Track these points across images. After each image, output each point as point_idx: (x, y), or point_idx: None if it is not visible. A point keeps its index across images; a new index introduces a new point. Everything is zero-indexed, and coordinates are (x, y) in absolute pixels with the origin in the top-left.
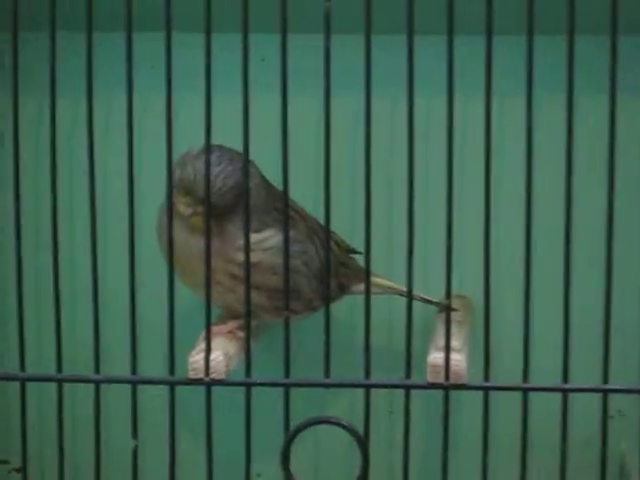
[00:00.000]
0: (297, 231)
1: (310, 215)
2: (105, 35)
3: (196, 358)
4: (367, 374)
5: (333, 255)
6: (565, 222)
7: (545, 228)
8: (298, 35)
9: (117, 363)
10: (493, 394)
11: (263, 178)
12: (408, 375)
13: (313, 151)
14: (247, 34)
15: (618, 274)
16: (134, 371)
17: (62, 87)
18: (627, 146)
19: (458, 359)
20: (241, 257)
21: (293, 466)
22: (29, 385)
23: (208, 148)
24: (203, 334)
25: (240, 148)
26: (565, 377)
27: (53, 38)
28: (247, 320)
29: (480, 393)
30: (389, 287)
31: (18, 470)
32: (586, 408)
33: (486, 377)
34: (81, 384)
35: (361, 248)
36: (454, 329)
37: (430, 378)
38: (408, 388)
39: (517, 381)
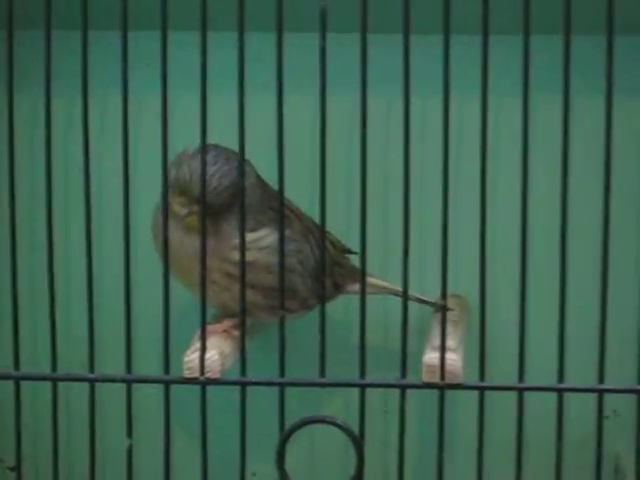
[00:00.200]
0: (292, 230)
1: (305, 214)
2: (100, 33)
3: (191, 357)
4: (362, 374)
5: (328, 255)
6: (561, 222)
7: (541, 228)
8: (294, 34)
9: (112, 362)
10: (488, 394)
11: (258, 177)
12: (403, 375)
13: (309, 150)
14: (243, 33)
15: (614, 274)
16: (129, 370)
17: (57, 85)
18: (623, 146)
19: (453, 359)
20: (237, 256)
21: (288, 465)
22: (23, 384)
23: (204, 147)
24: (198, 333)
25: (235, 147)
26: (560, 377)
27: (48, 36)
28: (242, 319)
29: (475, 393)
30: (384, 287)
31: (12, 469)
32: (581, 408)
33: (482, 377)
34: (76, 383)
35: (357, 248)
36: (450, 329)
37: (425, 378)
38: (403, 388)
39: (513, 381)
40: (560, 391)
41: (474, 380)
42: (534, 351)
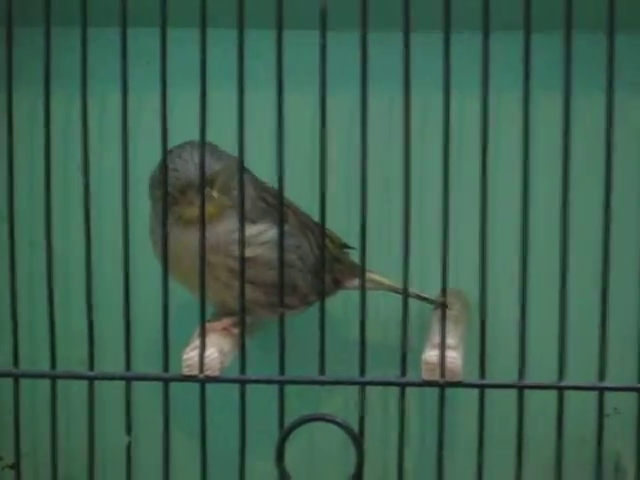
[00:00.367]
0: (290, 225)
1: (301, 211)
2: (100, 31)
3: (190, 355)
4: (362, 371)
5: (327, 251)
6: (562, 219)
7: (542, 225)
8: (294, 31)
9: (111, 359)
10: (488, 392)
11: (248, 171)
12: (403, 373)
13: (309, 148)
14: (242, 30)
15: (615, 271)
16: (128, 368)
17: (56, 83)
18: (624, 143)
19: (453, 356)
20: (238, 250)
21: (287, 463)
22: (22, 381)
23: (203, 145)
24: (197, 331)
25: (235, 144)
26: (561, 375)
27: (48, 34)
28: (241, 316)
29: (475, 391)
30: (383, 283)
31: (11, 467)
32: (582, 406)
33: (482, 374)
34: (75, 380)
35: (356, 245)
36: (450, 326)
37: (425, 375)
38: (403, 386)
39: (513, 379)
40: (560, 389)
41: (474, 378)
42: (534, 349)
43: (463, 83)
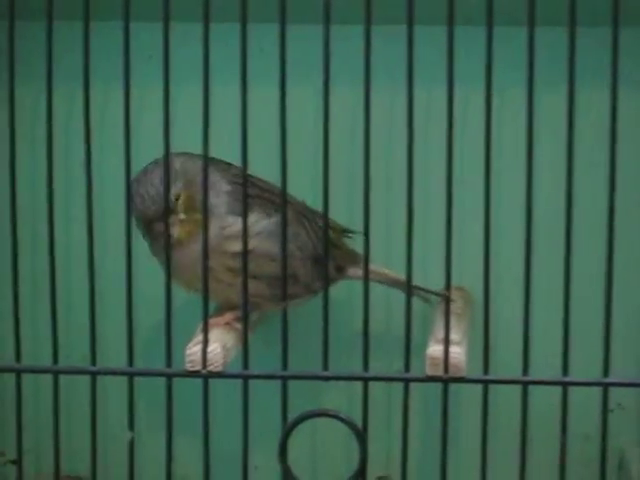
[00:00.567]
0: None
1: (296, 199)
2: (102, 25)
3: (193, 350)
4: (365, 367)
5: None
6: (566, 215)
7: (546, 221)
8: (297, 25)
9: (113, 355)
10: (492, 387)
11: (230, 165)
12: (407, 368)
13: (312, 142)
14: (245, 24)
15: (619, 267)
16: (131, 363)
17: (58, 77)
18: (629, 139)
19: (457, 352)
20: (233, 246)
21: (291, 459)
22: (25, 376)
23: (206, 142)
24: (200, 326)
25: (238, 139)
26: (565, 370)
27: (49, 28)
28: (244, 311)
29: (479, 386)
30: (386, 274)
31: (14, 462)
32: (586, 401)
33: (485, 370)
34: (77, 376)
35: (359, 242)
36: (453, 322)
37: (429, 371)
38: (407, 381)
39: (517, 374)
40: (564, 384)
41: (478, 373)
42: (538, 344)
43: (467, 77)
